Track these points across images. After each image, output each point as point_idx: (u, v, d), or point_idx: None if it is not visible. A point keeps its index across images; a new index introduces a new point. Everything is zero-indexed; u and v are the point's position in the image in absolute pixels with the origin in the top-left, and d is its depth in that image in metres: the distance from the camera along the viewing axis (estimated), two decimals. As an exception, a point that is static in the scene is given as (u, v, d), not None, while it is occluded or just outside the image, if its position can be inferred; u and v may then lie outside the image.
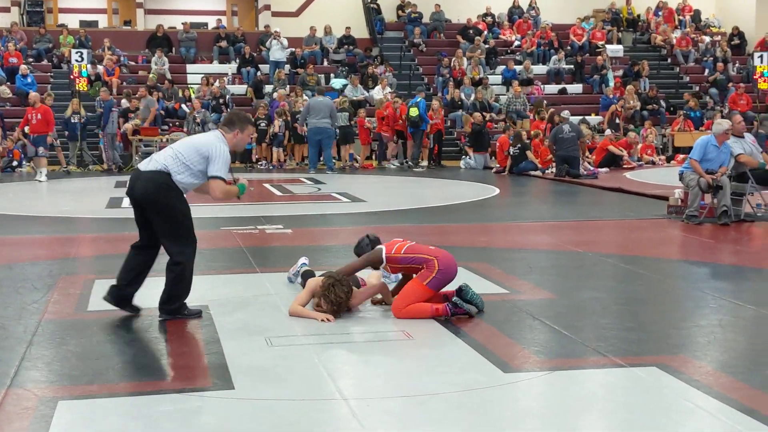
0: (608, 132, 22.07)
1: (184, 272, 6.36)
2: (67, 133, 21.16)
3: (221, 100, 23.15)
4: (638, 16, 30.76)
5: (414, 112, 21.39)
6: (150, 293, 7.22)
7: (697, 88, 27.47)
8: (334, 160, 21.06)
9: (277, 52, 25.81)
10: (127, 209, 13.60)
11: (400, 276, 6.74)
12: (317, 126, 19.91)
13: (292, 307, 6.40)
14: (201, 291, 7.24)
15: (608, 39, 29.28)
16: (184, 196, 6.35)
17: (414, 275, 6.36)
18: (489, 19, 29.65)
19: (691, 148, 12.03)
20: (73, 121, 20.98)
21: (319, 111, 19.87)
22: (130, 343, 5.70)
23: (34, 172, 18.78)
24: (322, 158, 20.70)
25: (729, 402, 4.49)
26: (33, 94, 19.86)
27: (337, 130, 21.40)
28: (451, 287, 6.43)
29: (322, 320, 6.15)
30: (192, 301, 6.87)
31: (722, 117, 19.61)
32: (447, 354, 5.52)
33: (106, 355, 5.41)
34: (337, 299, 6.18)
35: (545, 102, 23.82)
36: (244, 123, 6.50)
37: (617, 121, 23.75)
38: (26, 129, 19.60)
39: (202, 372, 5.09)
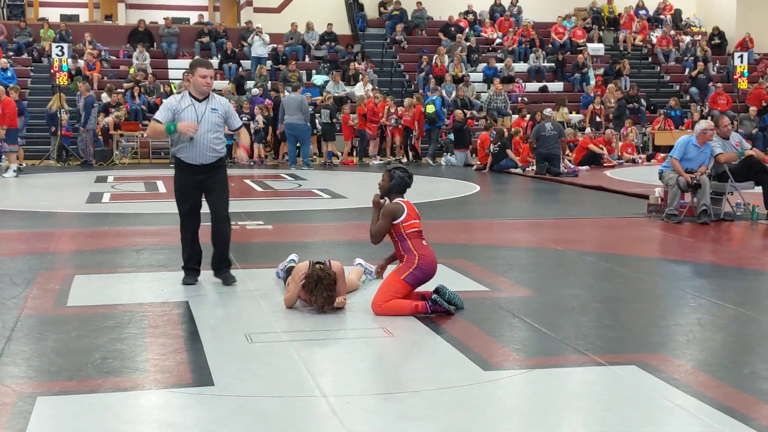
0: (588, 130, 22.16)
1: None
2: (53, 128, 20.99)
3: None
4: (619, 15, 30.87)
5: (431, 108, 22.02)
6: (129, 288, 7.21)
7: (678, 87, 27.65)
8: (315, 157, 21.05)
9: (259, 48, 25.76)
10: (107, 204, 13.66)
11: (373, 270, 7.19)
12: (289, 123, 20.12)
13: (286, 300, 6.48)
14: (181, 287, 7.24)
15: (589, 38, 29.40)
16: (180, 169, 7.33)
17: (395, 264, 6.47)
18: (471, 16, 29.69)
19: (671, 147, 12.09)
20: (59, 116, 20.82)
21: (290, 107, 19.98)
22: (109, 338, 5.67)
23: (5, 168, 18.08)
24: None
25: (707, 400, 4.52)
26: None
27: (318, 127, 21.42)
28: (431, 285, 6.44)
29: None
30: (172, 297, 6.87)
31: (702, 117, 19.77)
32: (427, 351, 5.52)
33: (85, 350, 5.38)
34: (324, 302, 6.28)
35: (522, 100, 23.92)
36: (193, 66, 7.17)
37: (598, 119, 23.85)
38: None
39: (181, 368, 5.07)
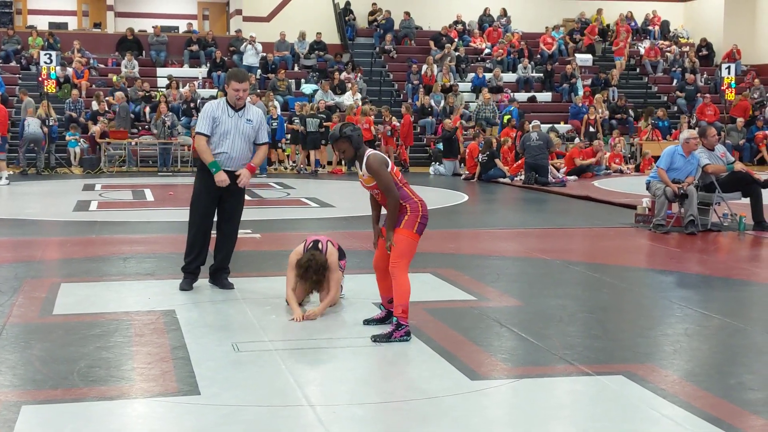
0: (577, 141, 22.21)
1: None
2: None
3: (192, 104, 23.04)
4: (608, 26, 31.02)
5: (507, 118, 22.73)
6: (116, 296, 7.18)
7: (666, 98, 27.77)
8: (303, 166, 21.21)
9: (251, 57, 25.79)
10: (94, 212, 13.62)
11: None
12: None
13: (287, 292, 6.54)
14: (168, 295, 7.22)
15: (577, 48, 29.52)
16: (204, 171, 7.28)
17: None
18: (459, 26, 29.78)
19: (659, 157, 12.13)
20: (48, 123, 20.75)
21: None
22: (95, 347, 5.64)
23: None
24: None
25: (694, 411, 4.53)
26: None
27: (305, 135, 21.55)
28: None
29: (292, 319, 6.33)
30: (159, 305, 6.84)
31: (689, 127, 19.84)
32: (414, 361, 5.51)
33: (70, 359, 5.35)
34: (311, 288, 6.41)
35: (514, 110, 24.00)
36: (228, 78, 7.27)
37: (591, 129, 23.90)
38: None
39: (167, 377, 5.05)
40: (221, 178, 7.14)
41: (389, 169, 5.95)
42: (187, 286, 7.40)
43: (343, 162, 22.44)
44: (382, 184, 5.91)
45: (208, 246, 7.50)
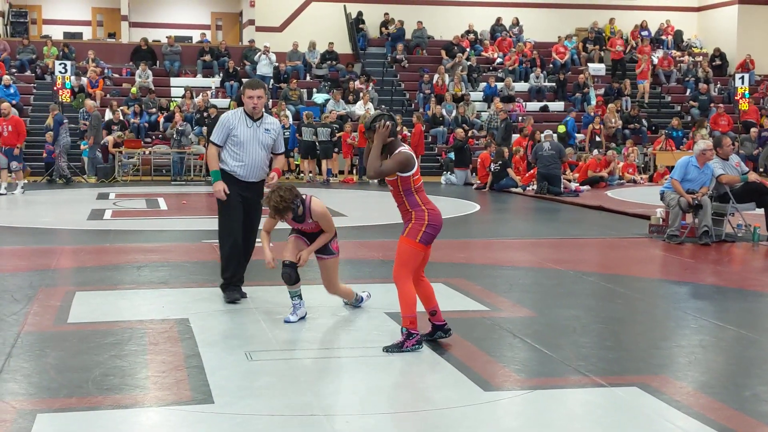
0: (595, 152, 22.13)
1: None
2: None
3: (205, 114, 23.14)
4: (621, 35, 30.98)
5: (562, 129, 23.29)
6: (130, 305, 7.20)
7: (679, 108, 27.71)
8: (311, 174, 21.41)
9: (265, 66, 25.88)
10: (108, 221, 13.67)
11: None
12: None
13: (262, 233, 6.73)
14: (182, 304, 7.24)
15: (590, 57, 29.49)
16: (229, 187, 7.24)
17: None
18: (471, 36, 29.81)
19: (672, 167, 12.11)
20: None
21: None
22: (109, 355, 5.66)
23: (1, 186, 17.44)
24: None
25: (709, 423, 4.51)
26: (5, 104, 18.62)
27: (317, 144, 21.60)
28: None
29: (266, 264, 6.62)
30: (173, 314, 6.86)
31: (703, 138, 19.74)
32: (427, 371, 5.51)
33: (85, 367, 5.37)
34: (275, 204, 6.40)
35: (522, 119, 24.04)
36: (243, 87, 7.35)
37: (598, 138, 23.90)
38: None
39: (181, 386, 5.06)
40: (219, 188, 7.15)
41: (409, 174, 5.84)
42: (233, 296, 7.29)
43: (354, 171, 22.50)
44: (376, 160, 5.86)
45: (243, 257, 7.40)
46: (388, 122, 5.88)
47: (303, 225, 6.66)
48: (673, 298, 8.21)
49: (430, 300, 6.07)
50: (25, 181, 18.64)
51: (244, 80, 24.98)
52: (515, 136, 22.99)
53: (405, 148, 5.91)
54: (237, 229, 7.28)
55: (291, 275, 6.57)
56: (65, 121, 20.68)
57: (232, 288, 7.34)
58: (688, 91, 28.55)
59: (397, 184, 5.87)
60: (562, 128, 23.46)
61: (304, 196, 6.61)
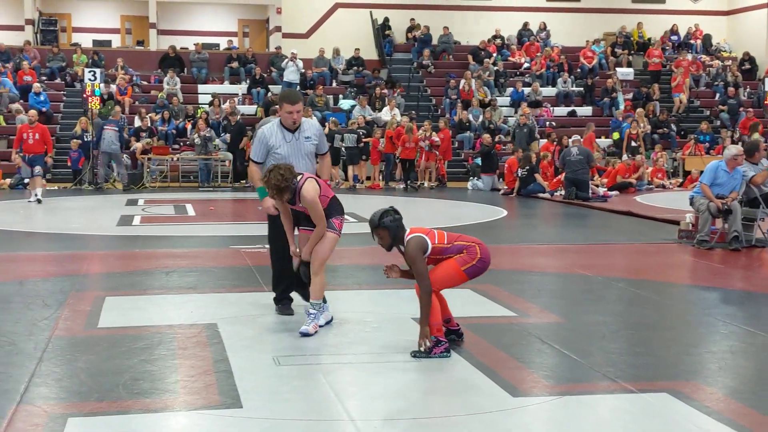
0: (625, 157, 21.99)
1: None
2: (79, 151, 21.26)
3: (232, 120, 23.27)
4: (649, 39, 30.84)
5: (616, 135, 23.69)
6: (159, 310, 7.25)
7: (708, 112, 27.51)
8: (340, 179, 21.37)
9: (292, 73, 25.98)
10: (137, 227, 13.78)
11: None
12: None
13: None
14: (210, 309, 7.28)
15: (618, 62, 29.35)
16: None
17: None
18: (498, 41, 29.78)
19: (702, 171, 12.02)
20: (86, 139, 21.07)
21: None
22: (139, 360, 5.70)
23: (31, 195, 17.33)
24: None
25: (739, 429, 4.46)
26: (32, 112, 18.52)
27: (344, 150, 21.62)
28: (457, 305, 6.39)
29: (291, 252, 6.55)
30: (201, 318, 6.89)
31: (732, 142, 19.60)
32: (455, 376, 5.50)
33: (115, 372, 5.41)
34: (275, 183, 6.17)
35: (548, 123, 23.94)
36: (280, 101, 6.92)
37: (633, 143, 23.74)
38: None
39: (210, 390, 5.09)
40: (267, 204, 6.75)
41: (429, 250, 5.90)
42: (285, 311, 7.02)
43: (381, 177, 22.52)
44: (416, 271, 5.88)
45: (293, 276, 6.94)
46: (400, 245, 5.94)
47: (296, 206, 6.43)
48: (703, 304, 8.14)
49: (445, 309, 6.13)
50: (40, 189, 18.24)
51: (277, 90, 25.00)
52: (543, 141, 22.94)
53: (412, 236, 5.93)
54: (285, 252, 6.84)
55: (307, 274, 6.48)
56: (108, 126, 20.81)
57: (284, 302, 7.08)
58: (717, 95, 28.34)
59: (434, 259, 5.97)
60: (616, 135, 23.59)
61: (299, 176, 6.35)
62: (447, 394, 5.18)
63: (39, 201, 16.89)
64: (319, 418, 4.65)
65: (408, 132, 21.52)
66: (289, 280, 6.99)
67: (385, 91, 25.95)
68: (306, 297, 6.78)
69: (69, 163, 21.64)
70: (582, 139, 20.09)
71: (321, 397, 5.00)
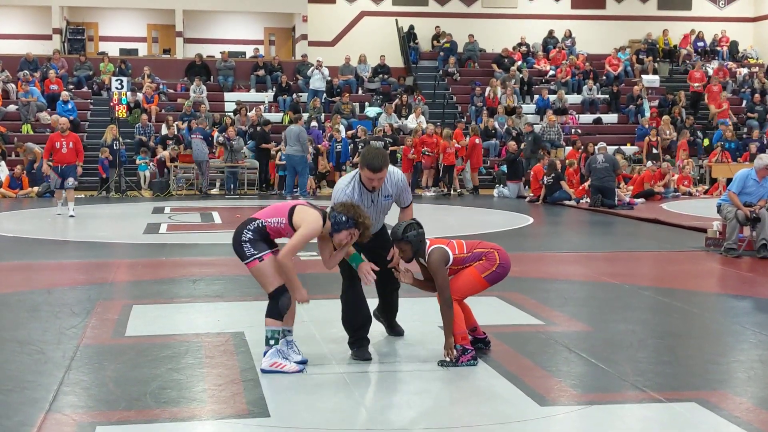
0: (649, 164, 21.87)
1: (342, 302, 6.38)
2: (110, 158, 21.41)
3: (258, 128, 23.36)
4: (675, 46, 30.67)
5: (706, 142, 24.36)
6: (186, 318, 7.29)
7: (735, 120, 27.27)
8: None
9: (318, 81, 26.07)
10: (164, 235, 13.85)
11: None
12: (287, 153, 20.64)
13: (283, 257, 6.09)
14: (237, 317, 7.30)
15: (644, 69, 29.21)
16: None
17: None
18: (523, 48, 29.74)
19: (729, 179, 11.91)
20: (115, 147, 21.23)
21: (290, 138, 20.48)
22: (167, 368, 5.73)
23: (58, 205, 16.92)
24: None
25: (770, 439, 4.43)
26: (63, 120, 17.83)
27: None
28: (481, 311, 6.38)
29: (299, 300, 5.82)
30: (228, 327, 6.91)
31: (760, 150, 19.40)
32: (481, 385, 5.49)
33: (143, 380, 5.44)
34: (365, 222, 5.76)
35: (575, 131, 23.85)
36: (362, 162, 6.12)
37: (654, 151, 23.61)
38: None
39: (238, 399, 5.11)
40: (365, 270, 6.01)
41: (450, 261, 5.96)
42: (363, 355, 6.13)
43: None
44: (438, 283, 5.92)
45: (367, 305, 6.39)
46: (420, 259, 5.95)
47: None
48: (731, 313, 8.07)
49: (470, 317, 6.16)
50: (72, 204, 17.90)
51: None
52: (568, 149, 22.84)
53: (434, 247, 5.97)
54: (364, 301, 6.34)
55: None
56: (195, 135, 21.12)
57: (362, 341, 6.25)
58: (744, 102, 28.12)
59: (455, 270, 6.01)
60: (706, 141, 24.36)
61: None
62: (474, 403, 5.17)
63: (72, 216, 16.08)
64: (347, 428, 4.66)
65: (446, 138, 21.69)
66: (367, 330, 6.33)
67: (406, 97, 25.95)
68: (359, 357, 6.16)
69: (101, 172, 21.78)
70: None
71: (349, 406, 5.01)
